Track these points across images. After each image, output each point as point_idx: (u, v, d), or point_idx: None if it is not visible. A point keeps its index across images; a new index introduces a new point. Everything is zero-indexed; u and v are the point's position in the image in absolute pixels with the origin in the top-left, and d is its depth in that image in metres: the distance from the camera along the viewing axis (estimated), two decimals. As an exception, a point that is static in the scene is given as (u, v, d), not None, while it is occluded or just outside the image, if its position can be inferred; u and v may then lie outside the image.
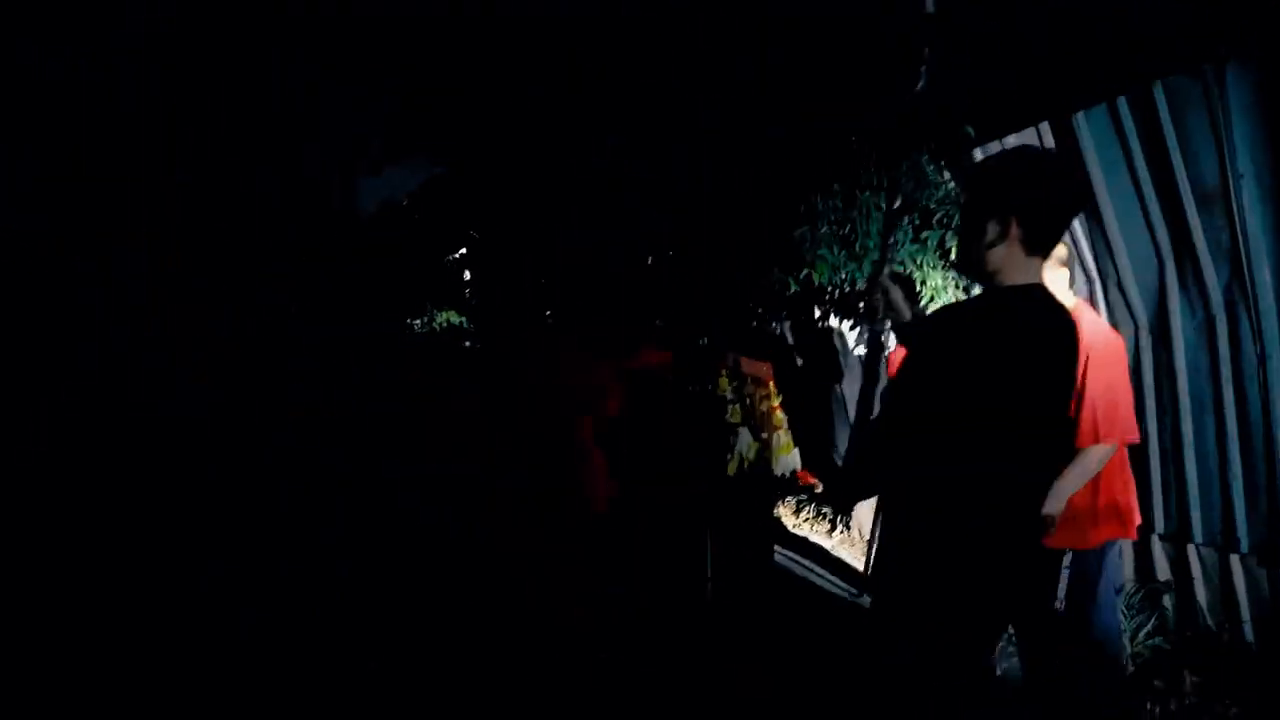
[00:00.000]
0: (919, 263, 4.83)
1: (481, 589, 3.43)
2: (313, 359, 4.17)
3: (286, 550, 3.53)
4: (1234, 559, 3.82)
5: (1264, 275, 3.63)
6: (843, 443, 6.06)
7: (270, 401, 3.88)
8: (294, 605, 3.03)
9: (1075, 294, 3.10)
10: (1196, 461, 3.99)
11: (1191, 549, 3.99)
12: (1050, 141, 4.34)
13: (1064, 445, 2.68)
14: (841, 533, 6.23)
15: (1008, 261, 2.16)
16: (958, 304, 2.95)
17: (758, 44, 5.22)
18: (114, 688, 3.33)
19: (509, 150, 6.17)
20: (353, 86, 6.01)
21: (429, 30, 5.69)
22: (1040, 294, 2.19)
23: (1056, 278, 2.93)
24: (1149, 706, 3.45)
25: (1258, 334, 3.68)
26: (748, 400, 4.93)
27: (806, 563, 5.48)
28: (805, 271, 5.10)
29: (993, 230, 2.16)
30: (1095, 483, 2.92)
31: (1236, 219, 3.64)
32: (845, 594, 5.10)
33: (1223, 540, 3.86)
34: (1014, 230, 2.14)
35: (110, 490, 3.43)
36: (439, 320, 7.29)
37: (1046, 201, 2.16)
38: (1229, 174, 3.63)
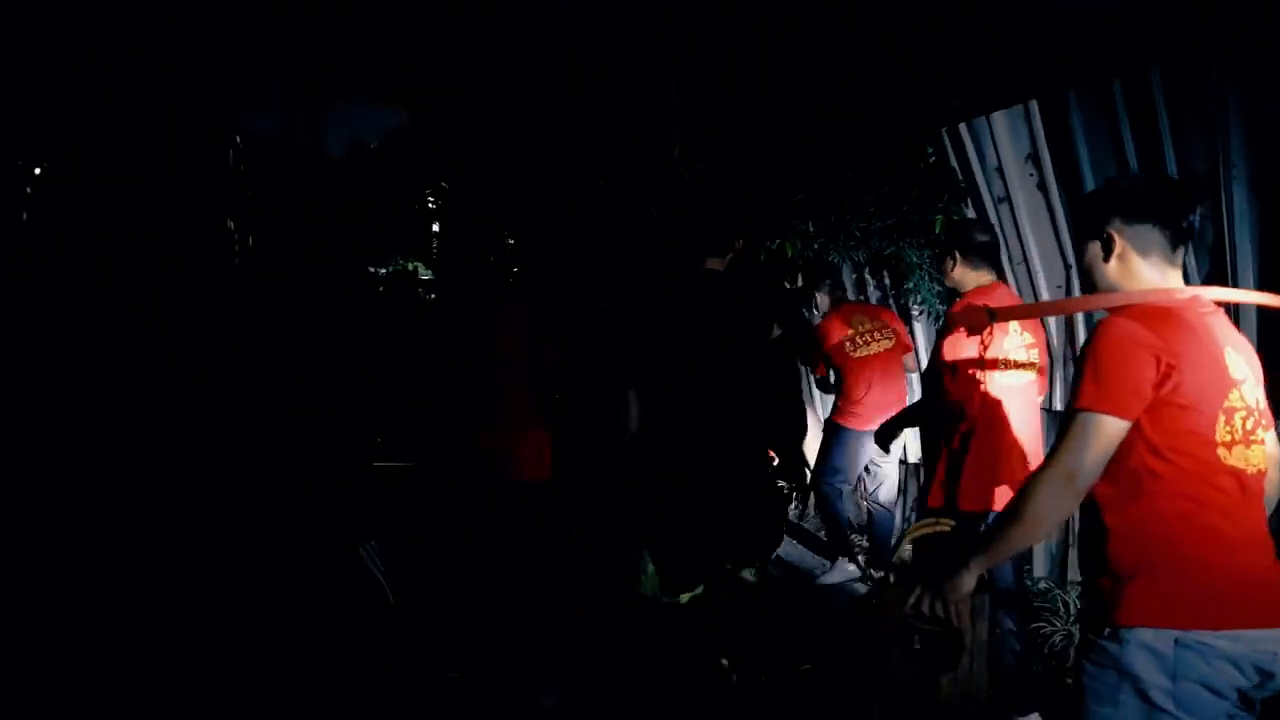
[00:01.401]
0: (895, 239, 4.74)
1: (481, 589, 3.43)
2: (313, 359, 4.17)
3: (286, 550, 3.53)
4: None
5: (1247, 270, 3.57)
6: None
7: (270, 401, 3.88)
8: (294, 605, 3.02)
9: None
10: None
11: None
12: (1038, 119, 4.29)
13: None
14: (798, 509, 6.21)
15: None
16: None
17: (758, 44, 5.23)
18: (114, 686, 3.33)
19: (509, 150, 6.17)
20: (353, 86, 6.01)
21: (429, 30, 5.69)
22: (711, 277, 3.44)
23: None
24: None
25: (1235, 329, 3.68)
26: None
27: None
28: (777, 241, 4.95)
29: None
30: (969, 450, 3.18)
31: (1225, 211, 3.57)
32: (816, 566, 5.26)
33: None
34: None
35: (110, 490, 3.43)
36: (401, 267, 7.15)
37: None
38: (1221, 164, 3.55)
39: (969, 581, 1.88)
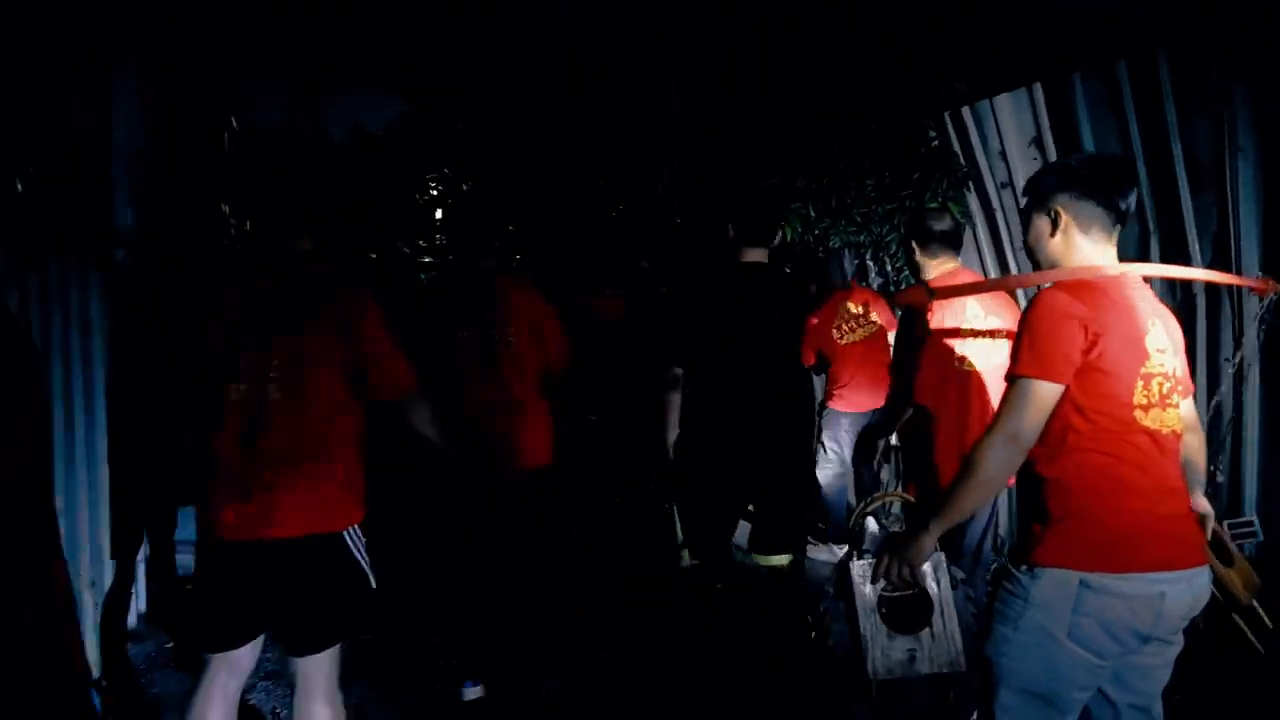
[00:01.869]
0: (896, 224, 4.73)
1: (481, 589, 3.43)
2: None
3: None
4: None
5: (1252, 257, 3.56)
6: None
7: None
8: (293, 605, 3.02)
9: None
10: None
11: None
12: (1042, 103, 4.26)
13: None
14: None
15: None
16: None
17: (758, 44, 5.22)
18: (114, 686, 3.33)
19: (509, 151, 6.17)
20: (352, 85, 6.01)
21: (429, 30, 5.69)
22: (755, 270, 3.47)
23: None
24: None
25: (1237, 317, 3.64)
26: None
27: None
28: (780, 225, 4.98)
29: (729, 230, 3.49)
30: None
31: (1230, 196, 3.55)
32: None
33: None
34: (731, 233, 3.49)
35: (109, 490, 3.42)
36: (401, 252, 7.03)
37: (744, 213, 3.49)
38: (1227, 149, 3.54)
39: (929, 544, 2.01)
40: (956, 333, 3.29)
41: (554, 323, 3.44)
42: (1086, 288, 1.94)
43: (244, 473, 2.21)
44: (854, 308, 4.91)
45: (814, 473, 3.89)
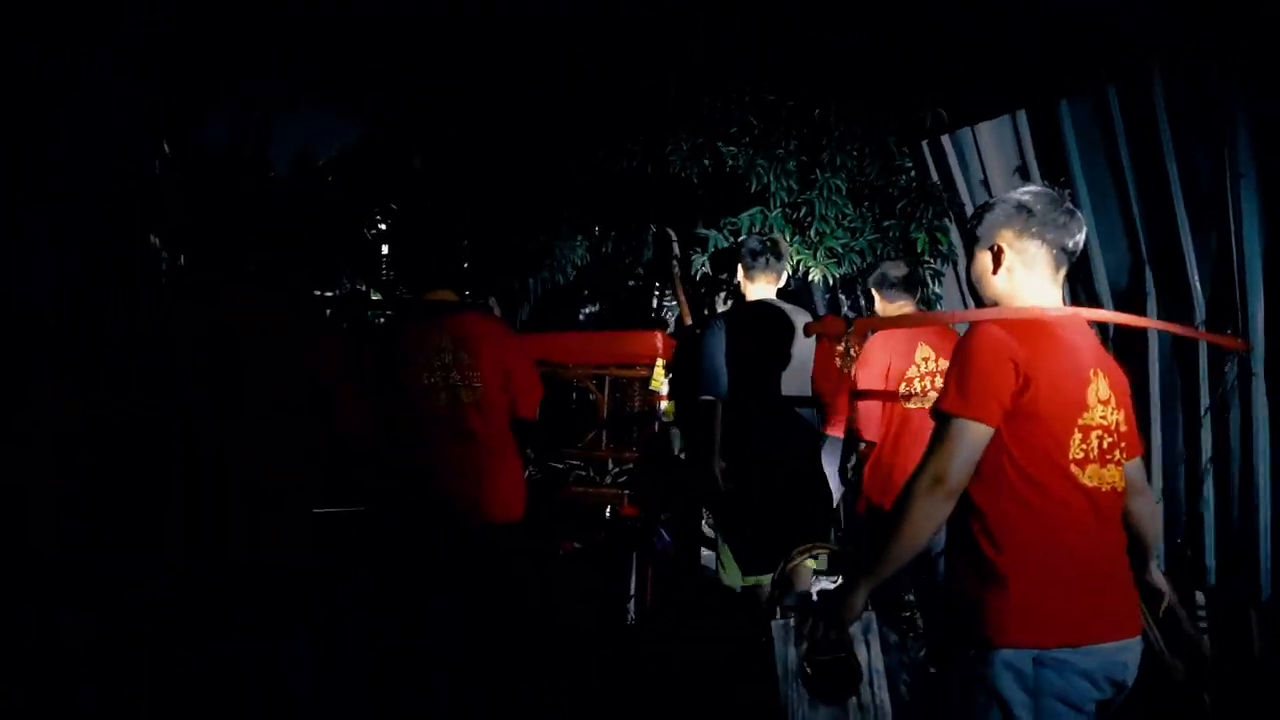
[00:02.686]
0: (879, 253, 4.67)
1: (481, 588, 3.42)
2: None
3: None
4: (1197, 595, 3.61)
5: (1257, 287, 3.39)
6: None
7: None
8: (294, 605, 3.02)
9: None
10: (1163, 486, 3.75)
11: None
12: (1026, 129, 4.18)
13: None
14: None
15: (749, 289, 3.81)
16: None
17: (757, 44, 5.21)
18: (113, 688, 3.33)
19: (508, 150, 6.16)
20: (352, 84, 6.00)
21: (428, 30, 5.68)
22: (766, 306, 3.75)
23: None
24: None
25: (1243, 364, 3.47)
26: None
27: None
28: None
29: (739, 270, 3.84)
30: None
31: (1232, 223, 3.39)
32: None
33: (1188, 571, 3.64)
34: (740, 273, 3.84)
35: (110, 490, 3.41)
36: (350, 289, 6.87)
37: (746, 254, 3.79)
38: (1228, 173, 3.39)
39: (859, 602, 1.85)
40: (904, 373, 3.42)
41: (526, 366, 3.22)
42: (1025, 327, 1.83)
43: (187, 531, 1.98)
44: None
45: (815, 494, 3.87)
